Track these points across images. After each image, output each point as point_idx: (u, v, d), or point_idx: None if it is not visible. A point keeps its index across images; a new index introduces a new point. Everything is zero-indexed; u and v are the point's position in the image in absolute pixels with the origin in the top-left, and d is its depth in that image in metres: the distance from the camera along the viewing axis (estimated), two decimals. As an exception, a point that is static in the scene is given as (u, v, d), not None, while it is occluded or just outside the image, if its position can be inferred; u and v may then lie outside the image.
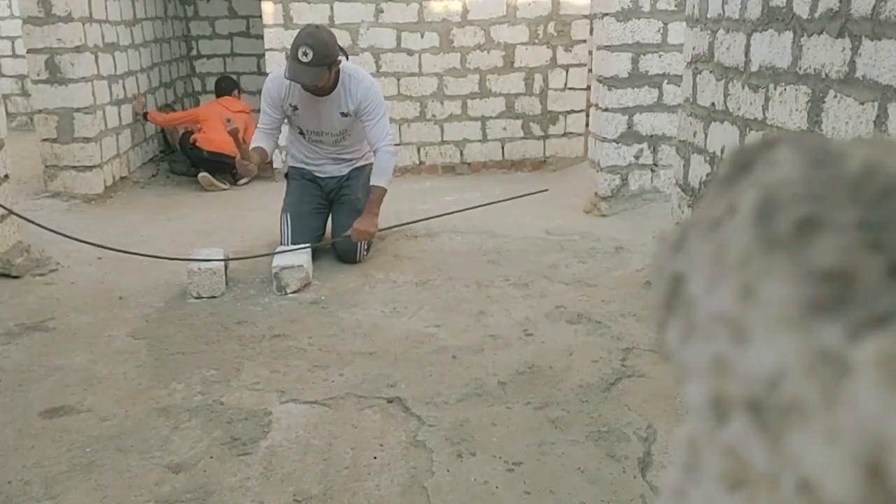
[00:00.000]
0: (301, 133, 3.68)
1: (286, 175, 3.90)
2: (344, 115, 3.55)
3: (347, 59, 3.54)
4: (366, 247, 3.61)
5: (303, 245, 3.47)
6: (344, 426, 2.11)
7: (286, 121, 3.66)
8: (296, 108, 3.55)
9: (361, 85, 3.52)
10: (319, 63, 3.31)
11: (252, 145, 3.57)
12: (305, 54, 3.28)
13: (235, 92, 5.74)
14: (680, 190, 3.29)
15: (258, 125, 3.64)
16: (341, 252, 3.58)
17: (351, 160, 3.73)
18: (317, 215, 3.70)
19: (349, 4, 5.30)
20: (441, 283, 3.27)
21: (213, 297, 3.10)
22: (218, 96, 5.69)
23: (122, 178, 5.16)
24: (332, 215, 3.73)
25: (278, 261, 3.21)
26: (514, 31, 5.52)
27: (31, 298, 3.11)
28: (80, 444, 2.03)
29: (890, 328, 0.19)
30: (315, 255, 3.48)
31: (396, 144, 5.46)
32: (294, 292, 3.14)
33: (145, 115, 5.53)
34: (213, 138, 5.20)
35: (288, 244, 3.53)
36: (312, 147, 3.70)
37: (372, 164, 3.67)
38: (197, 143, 5.26)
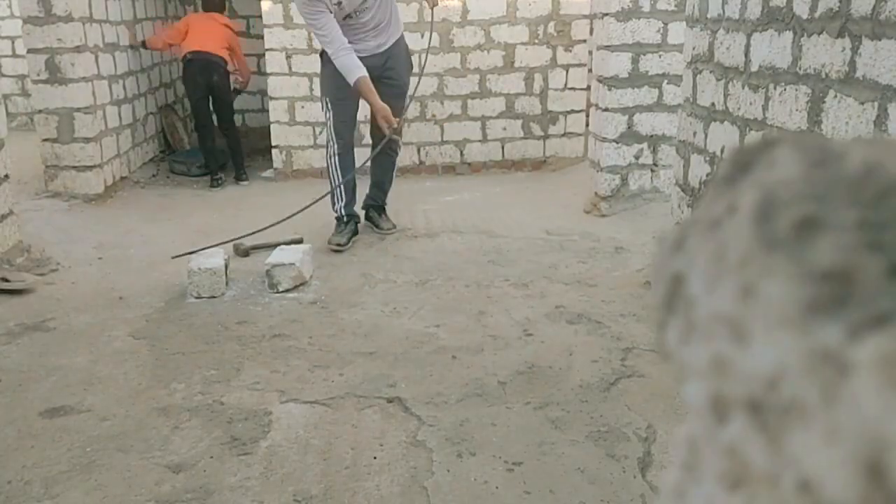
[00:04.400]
0: (347, 17, 3.70)
1: (321, 55, 3.93)
2: None
3: None
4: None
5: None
6: (344, 426, 2.11)
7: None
8: (339, 3, 3.62)
9: None
10: None
11: (353, 77, 3.62)
12: None
13: (225, 13, 5.71)
14: (680, 190, 3.29)
15: (338, 46, 3.62)
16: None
17: (390, 32, 3.82)
18: (353, 102, 3.85)
19: (349, 4, 5.30)
20: (441, 283, 3.27)
21: (213, 297, 3.10)
22: (205, 10, 5.62)
23: (122, 178, 5.17)
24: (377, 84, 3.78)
25: (270, 259, 3.23)
26: (514, 31, 5.52)
27: (32, 298, 3.12)
28: (80, 443, 2.03)
29: (890, 328, 0.19)
30: (315, 254, 3.48)
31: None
32: (286, 290, 3.15)
33: (143, 43, 5.51)
34: (198, 39, 5.28)
35: (331, 129, 3.82)
36: (352, 28, 3.73)
37: (402, 55, 3.90)
38: (186, 55, 5.29)
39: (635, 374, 2.39)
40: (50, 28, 4.48)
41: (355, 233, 3.91)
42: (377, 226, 4.02)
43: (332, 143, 3.87)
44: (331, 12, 3.62)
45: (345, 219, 3.90)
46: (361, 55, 3.73)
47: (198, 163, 5.73)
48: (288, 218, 3.73)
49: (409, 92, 4.02)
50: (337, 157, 3.86)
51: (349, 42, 3.69)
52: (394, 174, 4.10)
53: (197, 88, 5.36)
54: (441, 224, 4.23)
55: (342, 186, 3.88)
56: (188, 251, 3.47)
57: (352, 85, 3.62)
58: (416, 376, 2.40)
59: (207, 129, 5.48)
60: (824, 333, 0.20)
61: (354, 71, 3.62)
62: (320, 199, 3.86)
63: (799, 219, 0.22)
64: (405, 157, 5.55)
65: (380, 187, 4.07)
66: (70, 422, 2.15)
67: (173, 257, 3.53)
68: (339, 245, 3.75)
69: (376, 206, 4.08)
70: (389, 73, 3.82)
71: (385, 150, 3.91)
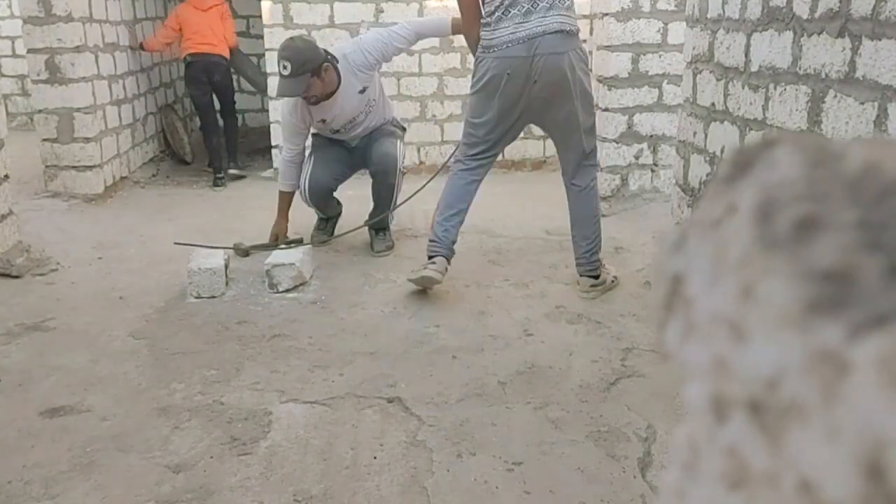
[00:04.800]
0: (336, 132, 3.74)
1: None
2: (362, 91, 3.61)
3: (337, 62, 3.55)
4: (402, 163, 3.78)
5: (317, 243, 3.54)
6: (344, 426, 2.11)
7: (316, 132, 3.79)
8: (324, 121, 3.63)
9: (352, 50, 3.60)
10: (300, 72, 3.36)
11: (281, 185, 3.76)
12: (285, 67, 3.36)
13: None
14: (680, 190, 3.29)
15: (283, 156, 3.75)
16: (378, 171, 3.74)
17: (376, 126, 3.81)
18: (339, 162, 3.76)
19: (349, 4, 5.30)
20: (441, 283, 3.27)
21: (213, 297, 3.10)
22: None
23: (122, 178, 5.16)
24: (367, 152, 3.77)
25: (270, 258, 3.23)
26: (514, 31, 5.52)
27: (32, 298, 3.11)
28: (80, 443, 2.03)
29: (890, 328, 0.19)
30: (315, 254, 3.48)
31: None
32: (286, 290, 3.15)
33: (141, 45, 5.52)
34: (197, 39, 5.30)
35: (306, 182, 3.69)
36: (344, 135, 3.77)
37: (392, 119, 3.88)
38: (186, 57, 5.32)
39: (635, 374, 2.39)
40: (50, 28, 4.48)
41: (335, 225, 3.96)
42: (371, 246, 3.77)
43: (303, 191, 3.75)
44: (308, 131, 3.69)
45: (324, 219, 3.96)
46: (348, 142, 3.79)
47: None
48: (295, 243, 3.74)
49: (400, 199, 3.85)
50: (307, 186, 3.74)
51: (335, 133, 3.74)
52: (394, 200, 3.82)
53: (200, 89, 5.40)
54: (441, 224, 4.23)
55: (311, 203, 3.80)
56: (192, 243, 3.51)
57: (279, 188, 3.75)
58: (416, 376, 2.40)
59: (212, 128, 5.51)
60: (824, 333, 0.20)
61: (283, 183, 3.75)
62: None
63: (799, 219, 0.22)
64: (406, 158, 5.55)
65: (380, 209, 3.81)
66: (70, 422, 2.15)
67: (176, 243, 3.54)
68: (321, 242, 3.82)
69: (375, 226, 3.81)
70: (374, 134, 3.78)
71: (384, 172, 3.71)
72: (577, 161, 3.06)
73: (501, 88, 2.88)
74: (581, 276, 3.10)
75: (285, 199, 3.74)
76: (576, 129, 2.98)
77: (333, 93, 3.52)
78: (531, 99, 2.89)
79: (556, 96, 2.88)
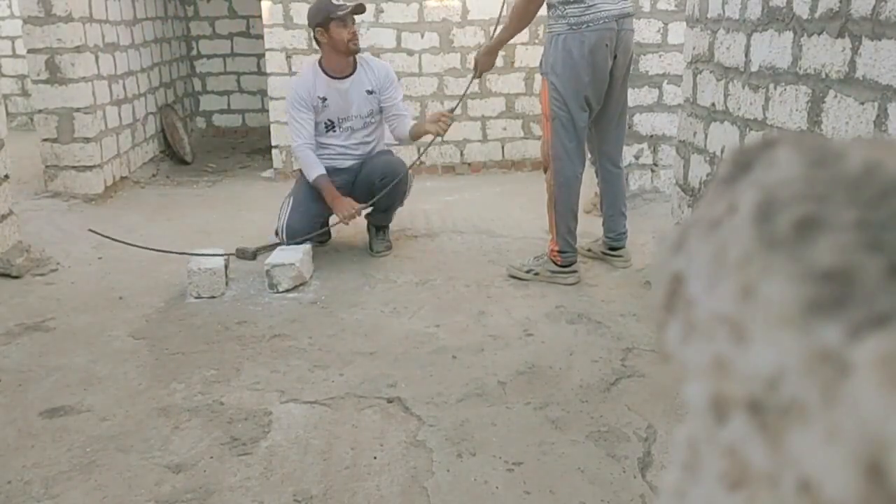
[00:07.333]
0: (331, 128, 3.69)
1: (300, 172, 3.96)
2: (370, 92, 3.68)
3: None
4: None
5: (306, 237, 3.53)
6: (344, 426, 2.11)
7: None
8: (325, 100, 3.64)
9: (381, 64, 3.82)
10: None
11: (313, 175, 3.59)
12: None
13: None
14: (680, 190, 3.29)
15: (302, 141, 3.62)
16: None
17: (370, 147, 3.80)
18: (318, 201, 3.63)
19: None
20: (441, 283, 3.27)
21: (213, 297, 3.10)
22: None
23: (122, 178, 5.16)
24: (359, 176, 3.73)
25: (270, 259, 3.23)
26: (514, 31, 5.51)
27: (31, 298, 3.11)
28: (80, 444, 2.03)
29: (890, 328, 0.19)
30: (315, 254, 3.48)
31: (397, 144, 5.45)
32: (286, 290, 3.15)
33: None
34: None
35: (283, 226, 3.57)
36: (338, 138, 3.71)
37: (383, 149, 3.89)
38: None
39: (635, 374, 2.39)
40: (50, 28, 4.49)
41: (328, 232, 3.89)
42: (370, 246, 3.74)
43: (282, 236, 3.60)
44: (314, 107, 3.63)
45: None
46: (338, 167, 3.69)
47: None
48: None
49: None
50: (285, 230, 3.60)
51: (330, 155, 3.69)
52: (399, 201, 3.79)
53: None
54: (441, 224, 4.23)
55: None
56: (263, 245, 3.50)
57: (311, 181, 3.60)
58: (416, 376, 2.40)
59: None
60: (824, 333, 0.20)
61: (311, 172, 3.60)
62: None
63: (799, 219, 0.22)
64: (406, 157, 5.55)
65: (385, 212, 3.77)
66: (70, 422, 2.15)
67: (241, 257, 3.48)
68: (321, 242, 3.79)
69: (375, 225, 3.79)
70: (365, 169, 3.72)
71: (392, 176, 3.63)
72: (621, 140, 3.40)
73: (603, 59, 3.09)
74: (619, 247, 3.42)
75: (325, 183, 3.57)
76: (625, 106, 3.38)
77: (347, 76, 3.63)
78: (613, 69, 3.16)
79: (625, 71, 3.23)
